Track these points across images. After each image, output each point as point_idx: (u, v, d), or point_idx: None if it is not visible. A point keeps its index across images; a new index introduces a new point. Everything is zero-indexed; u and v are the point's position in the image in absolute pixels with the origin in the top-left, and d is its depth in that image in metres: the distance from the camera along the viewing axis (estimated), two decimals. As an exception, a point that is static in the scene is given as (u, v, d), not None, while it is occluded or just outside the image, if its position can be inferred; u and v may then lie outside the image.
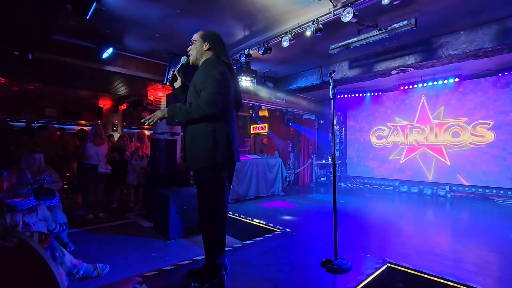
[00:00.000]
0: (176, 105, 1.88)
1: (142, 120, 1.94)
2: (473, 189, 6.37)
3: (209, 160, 1.84)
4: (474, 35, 3.97)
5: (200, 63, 2.04)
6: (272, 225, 3.69)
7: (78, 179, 4.96)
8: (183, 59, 2.05)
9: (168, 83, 2.11)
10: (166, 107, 2.06)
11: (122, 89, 6.98)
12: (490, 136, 6.15)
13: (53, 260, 2.15)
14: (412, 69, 4.87)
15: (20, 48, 3.65)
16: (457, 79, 6.19)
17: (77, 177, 5.01)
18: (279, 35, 4.06)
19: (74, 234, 3.89)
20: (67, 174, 6.01)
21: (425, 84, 6.62)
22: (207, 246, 1.88)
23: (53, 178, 3.33)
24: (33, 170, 3.21)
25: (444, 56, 4.26)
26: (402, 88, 6.97)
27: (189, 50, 2.07)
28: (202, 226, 1.90)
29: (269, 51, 4.25)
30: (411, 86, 6.87)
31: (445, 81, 6.33)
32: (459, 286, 2.15)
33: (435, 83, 6.47)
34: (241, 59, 4.66)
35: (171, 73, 2.05)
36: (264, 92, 6.70)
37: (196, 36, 2.07)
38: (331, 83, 2.49)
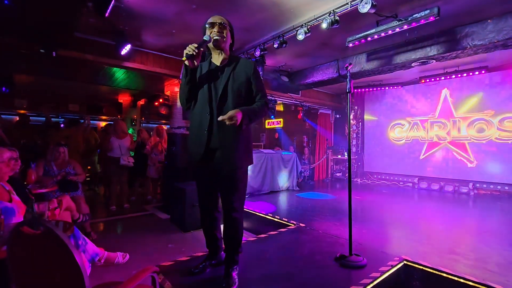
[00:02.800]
0: (250, 109, 1.82)
1: (219, 118, 1.68)
2: (499, 187, 6.08)
3: (249, 160, 1.94)
4: (503, 23, 3.73)
5: (222, 53, 1.92)
6: (286, 219, 3.70)
7: (102, 171, 5.17)
8: (207, 37, 1.83)
9: (186, 59, 1.78)
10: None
11: (140, 85, 7.16)
12: (518, 131, 5.82)
13: (76, 248, 2.27)
14: (434, 61, 4.66)
15: (45, 45, 3.81)
16: (483, 71, 5.85)
17: (102, 169, 5.22)
18: (294, 28, 4.00)
19: (95, 224, 4.08)
20: (89, 167, 6.28)
21: (448, 77, 6.31)
22: (237, 239, 1.96)
23: (76, 171, 3.49)
24: (58, 163, 3.38)
25: (469, 46, 4.04)
26: (423, 81, 6.68)
27: (219, 32, 1.85)
28: (234, 221, 1.91)
29: (284, 45, 4.20)
30: (432, 79, 6.57)
31: (470, 73, 6.00)
32: (480, 286, 2.07)
33: (458, 75, 6.15)
34: (256, 53, 4.64)
35: (195, 49, 1.74)
36: (279, 86, 6.66)
37: (227, 25, 1.90)
38: (348, 77, 2.43)
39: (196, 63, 1.82)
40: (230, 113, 1.68)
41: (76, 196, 3.31)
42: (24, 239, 1.18)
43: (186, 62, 1.78)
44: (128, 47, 4.25)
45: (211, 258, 2.14)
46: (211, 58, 1.97)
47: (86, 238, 2.45)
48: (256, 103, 1.89)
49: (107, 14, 3.11)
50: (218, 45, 1.87)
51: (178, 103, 6.06)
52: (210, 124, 1.83)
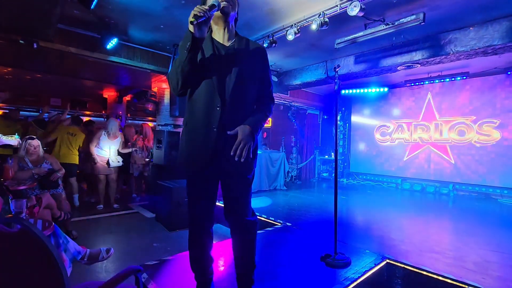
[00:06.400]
0: (255, 121, 1.48)
1: (236, 156, 1.39)
2: (477, 188, 6.33)
3: None
4: (483, 31, 3.89)
5: (227, 30, 1.50)
6: (273, 218, 3.71)
7: (90, 169, 4.94)
8: (216, 1, 1.35)
9: (194, 21, 1.26)
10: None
11: (125, 80, 6.99)
12: (496, 135, 6.08)
13: (57, 247, 2.18)
14: (419, 65, 4.80)
15: (25, 36, 3.65)
16: (464, 77, 6.07)
17: (89, 167, 5.00)
18: (284, 28, 4.01)
19: (78, 222, 3.96)
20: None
21: (431, 81, 6.52)
22: (254, 248, 1.64)
23: (54, 166, 3.35)
24: (33, 159, 3.20)
25: (452, 52, 4.18)
26: (408, 84, 6.87)
27: (227, 2, 1.41)
28: (252, 224, 1.62)
29: (274, 45, 4.20)
30: (417, 83, 6.76)
31: (452, 78, 6.21)
32: (457, 284, 2.16)
33: (442, 80, 6.36)
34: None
35: (205, 11, 1.27)
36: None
37: None
38: (336, 78, 2.46)
39: (203, 33, 1.35)
40: (245, 137, 1.39)
41: (57, 193, 3.19)
42: (-1, 238, 1.13)
43: (191, 28, 1.29)
44: (114, 40, 4.14)
45: None
46: (211, 34, 1.53)
47: (67, 236, 2.37)
48: (263, 106, 1.59)
49: (92, 6, 3.01)
50: (225, 17, 1.45)
51: (166, 100, 5.94)
52: (222, 119, 1.43)
